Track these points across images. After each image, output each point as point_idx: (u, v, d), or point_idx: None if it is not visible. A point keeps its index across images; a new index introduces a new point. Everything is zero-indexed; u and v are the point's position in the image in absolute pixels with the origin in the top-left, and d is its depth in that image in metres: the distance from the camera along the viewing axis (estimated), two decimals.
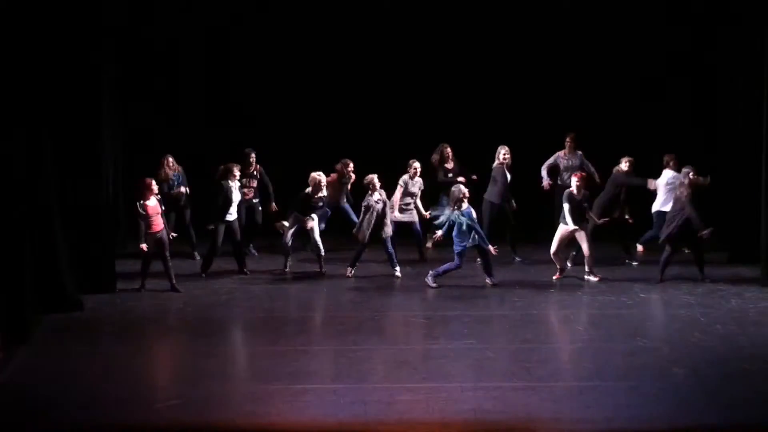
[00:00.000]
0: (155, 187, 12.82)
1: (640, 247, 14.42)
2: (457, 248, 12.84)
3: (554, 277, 13.29)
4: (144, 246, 12.57)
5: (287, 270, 13.81)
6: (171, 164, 14.59)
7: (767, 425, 8.34)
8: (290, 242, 13.76)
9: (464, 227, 12.71)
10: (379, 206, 13.50)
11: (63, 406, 8.73)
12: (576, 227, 13.04)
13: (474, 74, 16.20)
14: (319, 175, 13.76)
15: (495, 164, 14.39)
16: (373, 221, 13.44)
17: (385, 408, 8.62)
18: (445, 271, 13.02)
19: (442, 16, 16.04)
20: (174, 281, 12.80)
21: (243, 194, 14.08)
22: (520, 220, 14.56)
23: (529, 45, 16.04)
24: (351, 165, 14.71)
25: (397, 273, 13.64)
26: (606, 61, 15.99)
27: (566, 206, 13.06)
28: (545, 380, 9.36)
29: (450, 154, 15.08)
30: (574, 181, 13.20)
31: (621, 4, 15.66)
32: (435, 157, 15.06)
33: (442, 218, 12.94)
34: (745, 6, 13.71)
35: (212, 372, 9.61)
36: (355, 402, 8.76)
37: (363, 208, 13.55)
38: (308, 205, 13.68)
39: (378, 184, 13.63)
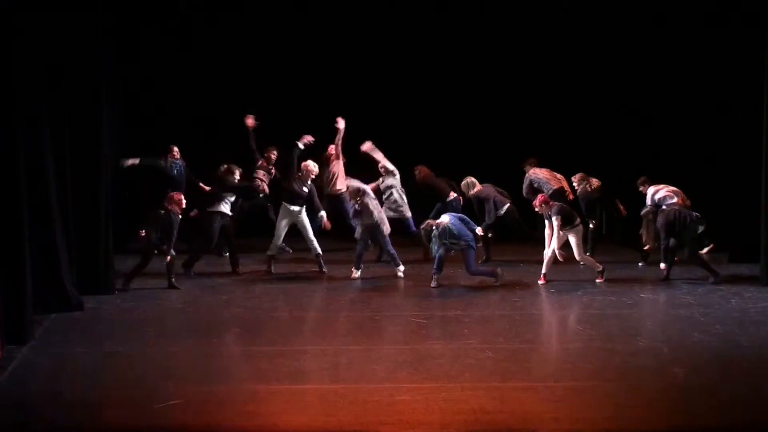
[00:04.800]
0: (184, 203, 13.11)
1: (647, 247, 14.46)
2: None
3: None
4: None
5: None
6: (175, 153, 14.80)
7: (767, 425, 8.34)
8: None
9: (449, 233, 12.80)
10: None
11: (63, 406, 8.73)
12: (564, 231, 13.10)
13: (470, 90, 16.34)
14: (314, 165, 13.83)
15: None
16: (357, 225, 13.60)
17: (385, 408, 8.62)
18: (438, 264, 12.98)
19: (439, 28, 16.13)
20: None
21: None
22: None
23: (524, 57, 16.14)
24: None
25: (400, 273, 13.64)
26: (604, 62, 16.01)
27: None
28: (545, 380, 9.36)
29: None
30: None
31: (615, 7, 15.68)
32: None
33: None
34: (744, 5, 13.72)
35: (212, 372, 9.62)
36: (355, 402, 8.76)
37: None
38: (292, 191, 13.71)
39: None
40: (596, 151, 15.39)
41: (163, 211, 12.82)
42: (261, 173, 14.63)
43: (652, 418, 8.42)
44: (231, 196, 13.84)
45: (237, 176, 13.93)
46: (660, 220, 13.23)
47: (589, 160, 15.02)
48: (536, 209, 13.21)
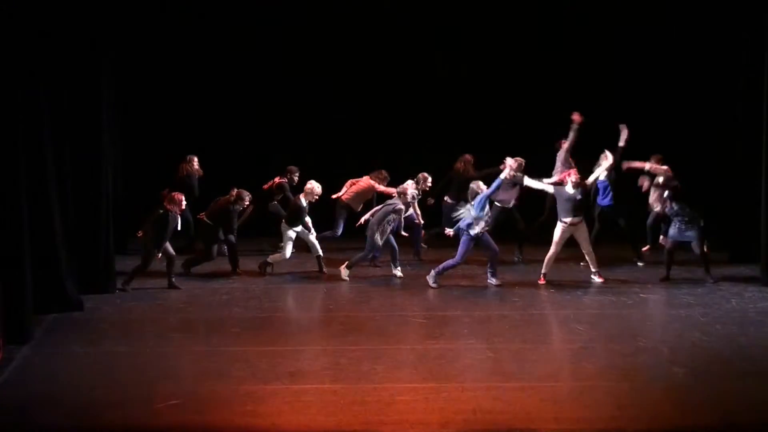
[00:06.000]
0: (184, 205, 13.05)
1: (646, 246, 14.48)
2: (463, 241, 12.86)
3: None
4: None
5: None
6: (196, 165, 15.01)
7: (767, 425, 8.34)
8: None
9: (477, 213, 12.73)
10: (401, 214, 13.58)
11: (63, 406, 8.73)
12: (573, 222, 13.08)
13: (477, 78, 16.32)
14: (318, 186, 13.82)
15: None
16: (389, 228, 13.43)
17: (385, 408, 8.62)
18: (445, 269, 13.02)
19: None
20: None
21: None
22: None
23: (532, 47, 16.12)
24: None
25: (398, 273, 13.65)
26: (603, 61, 16.01)
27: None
28: (545, 380, 9.35)
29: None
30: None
31: (616, 4, 15.69)
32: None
33: (462, 213, 12.95)
34: (744, 4, 13.72)
35: (212, 372, 9.62)
36: (355, 402, 8.76)
37: (390, 212, 13.45)
38: (301, 215, 13.72)
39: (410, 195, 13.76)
40: (595, 151, 15.35)
41: (161, 211, 12.81)
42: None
43: (652, 418, 8.41)
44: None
45: (246, 202, 13.87)
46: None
47: (589, 159, 15.00)
48: (569, 183, 13.10)
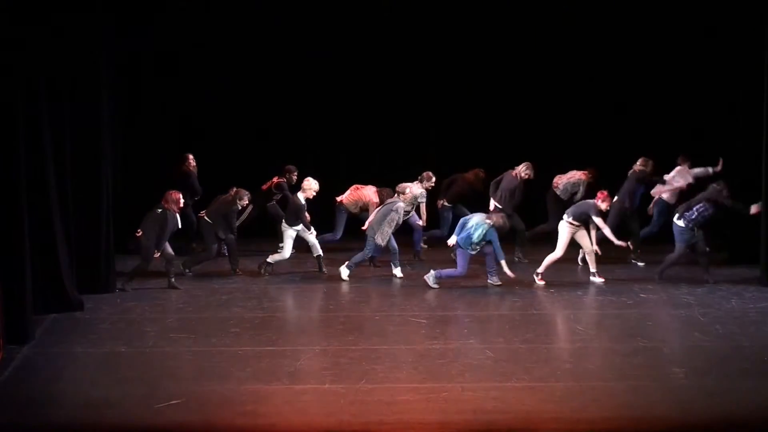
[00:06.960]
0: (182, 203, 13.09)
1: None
2: (461, 252, 12.85)
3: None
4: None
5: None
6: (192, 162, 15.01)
7: (767, 425, 8.34)
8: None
9: (478, 238, 12.73)
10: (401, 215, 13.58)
11: (63, 406, 8.74)
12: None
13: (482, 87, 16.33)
14: (315, 183, 13.81)
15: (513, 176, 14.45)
16: (389, 230, 13.42)
17: (385, 408, 8.62)
18: (448, 276, 13.00)
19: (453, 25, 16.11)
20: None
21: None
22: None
23: (538, 57, 16.13)
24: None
25: (398, 273, 13.63)
26: (606, 63, 16.00)
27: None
28: (545, 380, 9.36)
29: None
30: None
31: (617, 6, 15.67)
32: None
33: (469, 223, 12.95)
34: (744, 5, 13.72)
35: (212, 372, 9.62)
36: (355, 402, 8.76)
37: (390, 211, 13.46)
38: (300, 213, 13.71)
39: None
40: (595, 152, 15.37)
41: (160, 210, 12.82)
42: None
43: (651, 418, 8.42)
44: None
45: (245, 201, 13.86)
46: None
47: (588, 160, 15.02)
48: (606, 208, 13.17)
